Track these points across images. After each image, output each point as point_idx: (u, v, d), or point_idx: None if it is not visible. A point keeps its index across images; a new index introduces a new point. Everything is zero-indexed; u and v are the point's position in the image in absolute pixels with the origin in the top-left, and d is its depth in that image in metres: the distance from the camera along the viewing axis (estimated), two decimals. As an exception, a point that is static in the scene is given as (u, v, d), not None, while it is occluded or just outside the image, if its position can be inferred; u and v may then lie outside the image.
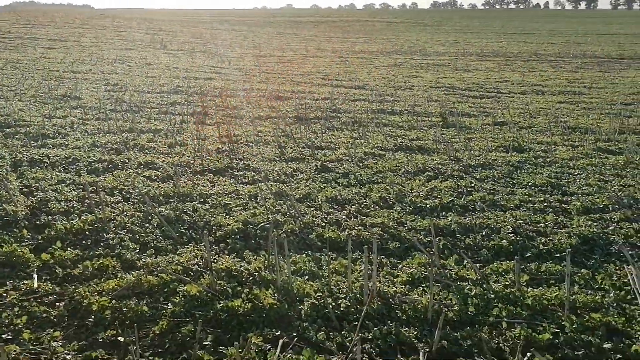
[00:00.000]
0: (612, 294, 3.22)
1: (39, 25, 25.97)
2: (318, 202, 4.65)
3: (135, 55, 16.93)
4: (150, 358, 2.53)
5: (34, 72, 11.49)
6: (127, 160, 5.52)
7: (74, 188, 4.60)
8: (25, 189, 4.49)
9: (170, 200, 4.51)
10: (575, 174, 5.67)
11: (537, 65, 18.42)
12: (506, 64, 19.18)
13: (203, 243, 3.53)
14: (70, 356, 2.45)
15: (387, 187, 5.09)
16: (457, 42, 29.52)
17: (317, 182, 5.20)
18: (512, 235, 4.04)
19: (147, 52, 18.04)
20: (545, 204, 4.72)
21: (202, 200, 4.55)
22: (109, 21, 35.21)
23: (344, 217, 4.34)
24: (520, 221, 4.30)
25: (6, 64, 12.55)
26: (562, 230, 4.14)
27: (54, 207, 4.12)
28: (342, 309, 3.01)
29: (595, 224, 4.29)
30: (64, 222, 3.85)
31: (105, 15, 46.53)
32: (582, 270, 3.53)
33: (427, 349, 2.67)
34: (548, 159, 6.22)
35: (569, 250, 3.44)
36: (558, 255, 3.74)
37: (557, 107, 10.24)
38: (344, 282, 3.28)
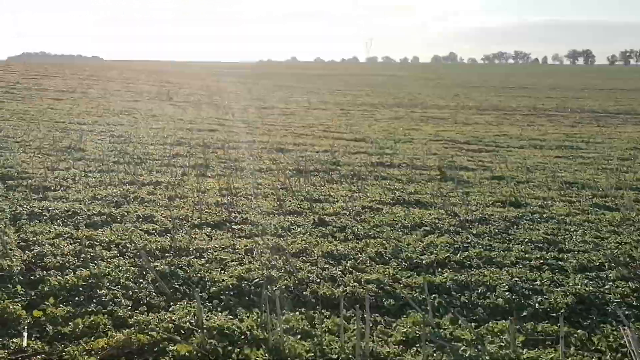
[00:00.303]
0: (608, 356, 3.18)
1: (48, 77, 26.65)
2: (314, 257, 4.65)
3: (141, 106, 17.28)
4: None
5: (40, 123, 11.73)
6: (126, 214, 5.56)
7: (71, 242, 4.62)
8: (22, 243, 4.52)
9: (167, 254, 4.52)
10: (572, 230, 5.67)
11: (536, 120, 18.71)
12: (505, 117, 19.49)
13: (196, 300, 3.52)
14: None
15: (384, 241, 5.10)
16: (457, 96, 30.08)
17: (314, 236, 5.21)
18: (507, 293, 4.01)
19: (154, 104, 18.43)
20: (542, 261, 4.70)
21: (198, 254, 4.56)
22: (117, 73, 36.12)
23: (339, 272, 4.33)
24: (517, 279, 4.28)
25: (13, 115, 12.83)
26: (558, 289, 4.11)
27: (49, 262, 4.13)
28: (334, 370, 2.97)
29: (591, 282, 4.26)
30: (58, 277, 3.86)
31: (114, 67, 47.76)
32: (579, 330, 3.49)
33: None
34: (545, 215, 6.24)
35: (563, 311, 3.41)
36: (554, 314, 3.70)
37: (554, 161, 10.34)
38: (337, 342, 3.25)
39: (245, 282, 4.01)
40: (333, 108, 21.15)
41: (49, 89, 20.86)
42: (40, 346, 3.03)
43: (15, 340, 3.06)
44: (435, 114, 19.96)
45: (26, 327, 3.23)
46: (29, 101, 16.37)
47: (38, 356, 2.93)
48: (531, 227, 5.78)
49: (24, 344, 3.03)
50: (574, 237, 5.43)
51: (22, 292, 3.64)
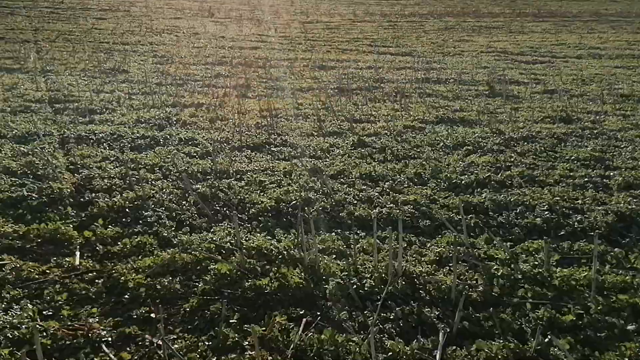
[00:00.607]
0: (645, 276, 3.13)
1: (92, -4, 26.58)
2: (352, 178, 4.67)
3: (183, 24, 17.13)
4: (180, 334, 2.67)
5: (85, 44, 11.86)
6: (168, 137, 5.69)
7: (117, 165, 4.81)
8: (71, 166, 4.74)
9: (208, 177, 4.64)
10: (622, 146, 5.43)
11: (597, 26, 17.45)
12: (564, 25, 18.25)
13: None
14: (105, 332, 2.62)
15: (423, 162, 5.05)
16: (513, 2, 28.22)
17: (353, 158, 5.21)
18: (547, 212, 3.95)
19: (195, 21, 18.21)
20: (586, 179, 4.57)
21: (238, 177, 4.67)
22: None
23: (376, 194, 4.35)
24: (558, 198, 4.19)
25: (59, 36, 13.00)
26: (599, 207, 4.01)
27: (97, 185, 4.33)
28: (366, 288, 3.06)
29: (635, 200, 4.13)
30: (106, 199, 4.06)
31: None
32: (616, 249, 3.43)
33: (448, 330, 2.69)
34: (595, 131, 5.97)
35: (598, 230, 3.34)
36: (592, 233, 3.64)
37: (613, 72, 9.72)
38: (370, 262, 3.32)
39: (283, 204, 4.10)
40: (379, 20, 20.33)
41: (92, 7, 20.86)
42: (91, 265, 3.25)
43: (68, 259, 3.28)
44: (488, 23, 18.89)
45: (78, 246, 3.45)
46: (73, 21, 16.47)
47: (89, 274, 3.15)
48: (579, 144, 5.57)
49: (77, 262, 3.25)
50: (623, 153, 5.21)
51: (72, 213, 3.86)
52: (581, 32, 15.99)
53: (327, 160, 5.15)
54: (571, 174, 4.72)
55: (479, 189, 4.45)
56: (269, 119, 6.42)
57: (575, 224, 3.79)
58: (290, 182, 4.56)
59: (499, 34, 16.12)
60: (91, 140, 5.48)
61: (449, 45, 13.76)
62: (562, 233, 3.69)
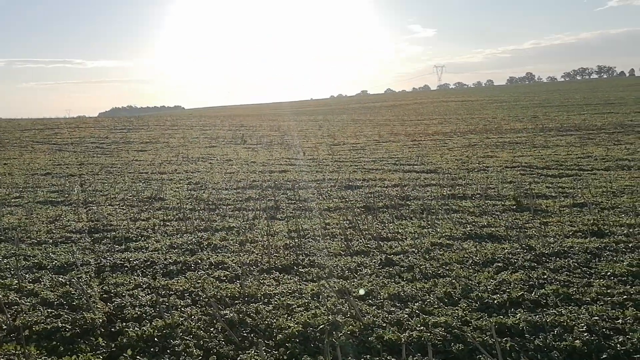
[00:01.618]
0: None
1: (134, 130, 28.54)
2: (380, 299, 4.61)
3: (217, 152, 18.06)
4: None
5: (125, 175, 12.56)
6: (199, 261, 5.80)
7: (149, 292, 4.89)
8: (105, 295, 4.84)
9: (236, 301, 4.65)
10: (661, 260, 5.26)
11: (623, 138, 17.63)
12: (589, 137, 18.51)
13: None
14: None
15: (453, 280, 4.98)
16: (535, 117, 29.01)
17: (381, 277, 5.17)
18: (586, 334, 3.78)
19: (229, 148, 19.19)
20: (625, 297, 4.40)
21: (266, 300, 4.66)
22: (196, 120, 38.06)
23: (406, 315, 4.26)
24: (596, 317, 4.02)
25: (101, 169, 13.83)
26: (643, 328, 3.82)
27: (128, 314, 4.38)
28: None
29: (682, 320, 3.92)
30: (136, 328, 4.08)
31: (193, 115, 50.28)
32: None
33: None
34: (630, 244, 5.83)
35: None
36: (638, 356, 3.44)
37: (642, 183, 9.66)
38: (401, 391, 3.19)
39: (311, 328, 4.05)
40: (404, 139, 21.05)
41: (134, 141, 22.32)
42: (116, 398, 3.20)
43: (94, 392, 3.25)
44: (511, 139, 19.32)
45: (105, 379, 3.43)
46: (116, 154, 17.59)
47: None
48: (615, 258, 5.43)
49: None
50: (663, 268, 5.03)
51: (103, 344, 3.88)
52: (607, 144, 16.15)
53: (355, 280, 5.13)
54: (609, 291, 4.56)
55: (512, 309, 4.32)
56: (297, 240, 6.51)
57: (618, 345, 3.60)
58: (317, 304, 4.52)
59: (522, 148, 16.42)
60: (125, 268, 5.63)
61: (473, 161, 14.03)
62: (604, 356, 3.51)
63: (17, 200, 9.77)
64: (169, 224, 7.71)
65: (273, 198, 9.40)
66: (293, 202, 9.23)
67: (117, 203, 9.30)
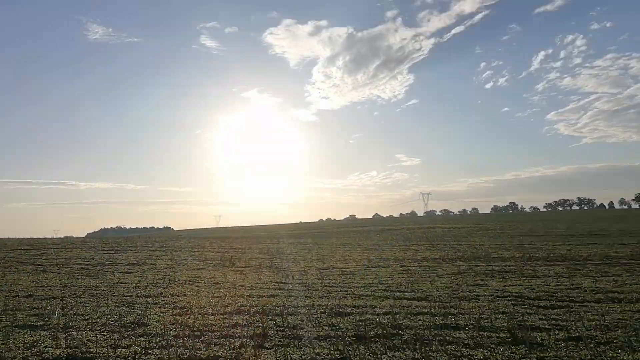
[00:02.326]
0: None
1: (121, 251, 28.22)
2: None
3: (205, 274, 17.76)
4: None
5: (109, 298, 12.20)
6: (181, 394, 5.46)
7: None
8: None
9: None
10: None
11: (610, 269, 17.71)
12: (576, 268, 18.56)
13: None
14: None
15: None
16: (522, 246, 29.26)
17: (375, 416, 4.87)
18: None
19: (217, 271, 18.91)
20: None
21: None
22: (185, 242, 37.85)
23: None
24: None
25: (85, 292, 13.45)
26: None
27: None
28: None
29: None
30: None
31: (182, 236, 50.18)
32: None
33: None
34: (632, 383, 5.63)
35: None
36: None
37: (636, 317, 9.55)
38: None
39: None
40: (393, 264, 20.94)
41: (120, 262, 21.96)
42: None
43: None
44: (500, 267, 19.31)
45: None
46: (101, 276, 17.20)
47: None
48: (618, 398, 5.20)
49: None
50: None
51: None
52: (594, 276, 16.16)
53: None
54: None
55: None
56: (286, 373, 6.20)
57: None
58: None
59: (512, 277, 16.35)
60: (101, 400, 5.27)
61: (463, 289, 13.88)
62: None
63: (-7, 322, 9.36)
64: (150, 352, 7.36)
65: (261, 325, 9.10)
66: (282, 329, 8.93)
67: (98, 328, 8.93)
